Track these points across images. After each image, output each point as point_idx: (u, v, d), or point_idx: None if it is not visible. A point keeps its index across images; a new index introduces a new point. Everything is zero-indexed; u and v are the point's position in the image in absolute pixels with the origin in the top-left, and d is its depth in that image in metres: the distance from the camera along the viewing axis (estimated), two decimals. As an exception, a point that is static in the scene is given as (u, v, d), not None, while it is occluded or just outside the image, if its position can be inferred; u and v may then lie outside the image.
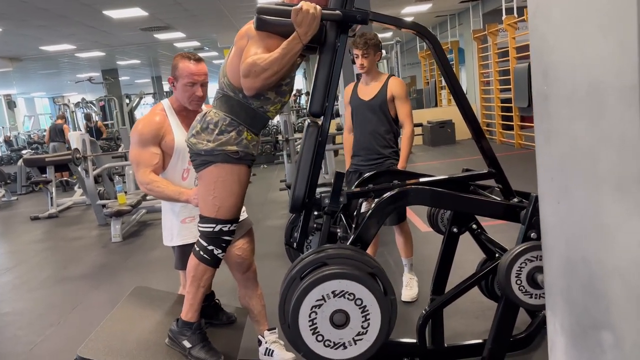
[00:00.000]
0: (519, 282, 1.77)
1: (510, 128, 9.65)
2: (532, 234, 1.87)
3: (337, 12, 1.84)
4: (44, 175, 7.76)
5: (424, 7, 11.12)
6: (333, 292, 1.61)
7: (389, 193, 1.93)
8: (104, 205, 6.32)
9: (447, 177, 2.40)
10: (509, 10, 9.06)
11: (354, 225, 2.18)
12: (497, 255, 2.36)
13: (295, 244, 2.12)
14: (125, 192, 6.17)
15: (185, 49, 13.64)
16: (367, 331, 1.64)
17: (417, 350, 2.34)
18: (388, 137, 3.16)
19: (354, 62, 3.17)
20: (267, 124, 2.09)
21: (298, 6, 1.76)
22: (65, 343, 3.21)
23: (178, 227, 2.41)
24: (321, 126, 1.94)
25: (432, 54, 2.11)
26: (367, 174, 2.48)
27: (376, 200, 1.95)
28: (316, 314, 1.62)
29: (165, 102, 2.42)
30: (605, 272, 1.08)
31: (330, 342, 1.64)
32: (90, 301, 3.95)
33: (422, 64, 15.18)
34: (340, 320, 1.62)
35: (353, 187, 2.42)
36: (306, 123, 2.01)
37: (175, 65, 2.31)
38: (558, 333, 1.34)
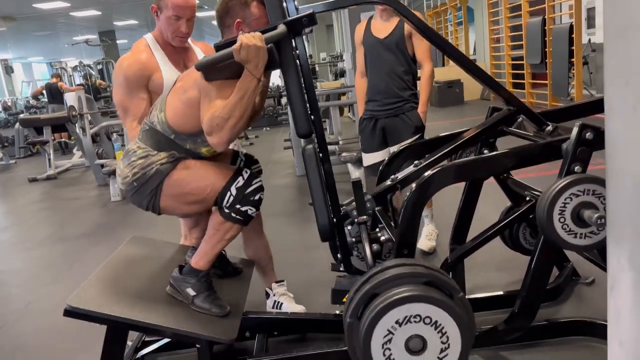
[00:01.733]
0: (562, 219, 1.56)
1: (522, 86, 9.32)
2: (576, 167, 1.65)
3: (281, 27, 1.62)
4: (40, 136, 7.53)
5: (432, -39, 10.64)
6: (397, 322, 1.45)
7: (414, 185, 1.73)
8: (102, 165, 6.12)
9: (470, 134, 2.16)
10: (523, -39, 8.64)
11: (392, 224, 1.99)
12: (527, 198, 2.15)
13: (342, 265, 1.94)
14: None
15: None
16: (449, 345, 1.48)
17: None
18: (407, 78, 2.90)
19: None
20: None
21: (237, 44, 1.56)
22: (62, 300, 3.02)
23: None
24: (317, 142, 1.78)
25: (407, 22, 1.92)
26: (390, 155, 2.27)
27: (404, 197, 1.74)
28: (390, 349, 1.47)
29: (149, 37, 2.16)
30: None
31: None
32: (88, 259, 3.77)
33: (430, 23, 14.69)
34: (417, 345, 1.47)
35: (379, 171, 2.22)
36: (302, 144, 1.81)
37: None
38: (624, 268, 1.13)
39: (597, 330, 1.94)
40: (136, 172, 1.81)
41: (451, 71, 11.16)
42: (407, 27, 2.84)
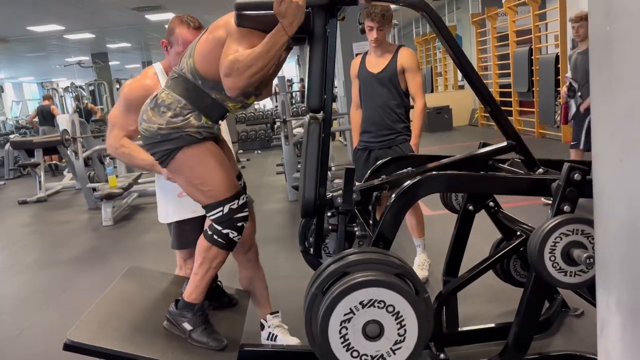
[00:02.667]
0: (552, 258, 1.61)
1: (509, 114, 9.50)
2: (565, 207, 1.71)
3: None
4: (32, 159, 7.51)
5: (422, -9, 10.88)
6: (361, 302, 1.47)
7: (405, 185, 1.78)
8: (94, 189, 6.12)
9: (464, 156, 2.23)
10: (510, -7, 8.88)
11: (371, 222, 2.04)
12: (518, 233, 2.21)
13: (311, 249, 2.00)
14: (117, 176, 5.98)
15: (177, 31, 13.32)
16: (404, 338, 1.50)
17: (433, 334, 2.18)
18: (399, 111, 2.98)
19: (362, 32, 2.98)
20: (225, 115, 1.95)
21: None
22: (55, 328, 3.04)
23: (174, 202, 2.23)
24: (323, 121, 1.80)
25: (434, 30, 1.95)
26: (378, 162, 2.32)
27: (393, 193, 1.79)
28: (347, 329, 1.48)
29: (158, 66, 2.23)
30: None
31: (368, 356, 1.50)
32: (80, 285, 3.77)
33: (419, 50, 14.98)
34: (374, 331, 1.49)
35: (365, 176, 2.26)
36: (306, 119, 1.86)
37: (172, 29, 2.12)
38: (612, 312, 1.18)
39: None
40: (163, 127, 1.80)
41: (440, 97, 11.37)
42: (400, 63, 2.93)
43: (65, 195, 7.70)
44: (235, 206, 1.87)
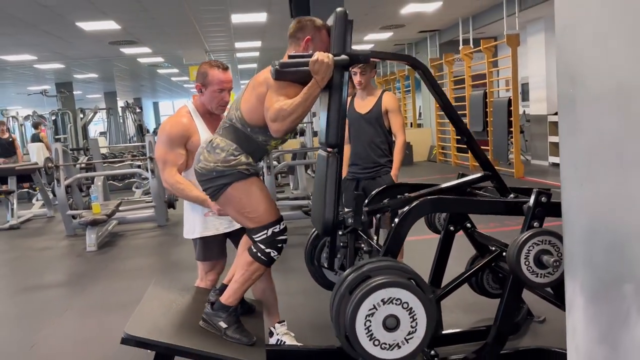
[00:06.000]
0: (527, 262, 2.04)
1: (465, 151, 10.20)
2: (535, 223, 2.16)
3: (345, 57, 2.08)
4: (4, 186, 7.53)
5: (385, 35, 11.66)
6: (382, 300, 1.82)
7: (413, 204, 2.16)
8: (74, 216, 6.24)
9: (449, 185, 2.66)
10: (466, 41, 9.71)
11: (375, 238, 2.41)
12: (492, 248, 2.65)
13: (326, 263, 2.39)
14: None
15: (147, 64, 13.60)
16: (416, 329, 1.86)
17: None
18: (383, 147, 3.43)
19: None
20: (265, 156, 2.37)
21: (314, 57, 2.01)
22: (65, 343, 3.23)
23: (201, 221, 2.56)
24: (339, 156, 2.15)
25: (424, 81, 2.43)
26: (373, 192, 2.66)
27: (400, 212, 2.16)
28: (370, 321, 1.83)
29: (190, 105, 2.60)
30: (630, 232, 1.35)
31: (386, 344, 1.84)
32: (80, 304, 3.94)
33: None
34: (392, 324, 1.84)
35: (365, 202, 2.65)
36: (321, 152, 2.22)
37: (204, 73, 2.49)
38: (577, 294, 1.60)
39: (555, 357, 2.42)
40: (219, 164, 2.15)
41: (401, 134, 11.99)
42: (385, 105, 3.40)
43: (36, 223, 7.70)
44: (277, 229, 2.22)
